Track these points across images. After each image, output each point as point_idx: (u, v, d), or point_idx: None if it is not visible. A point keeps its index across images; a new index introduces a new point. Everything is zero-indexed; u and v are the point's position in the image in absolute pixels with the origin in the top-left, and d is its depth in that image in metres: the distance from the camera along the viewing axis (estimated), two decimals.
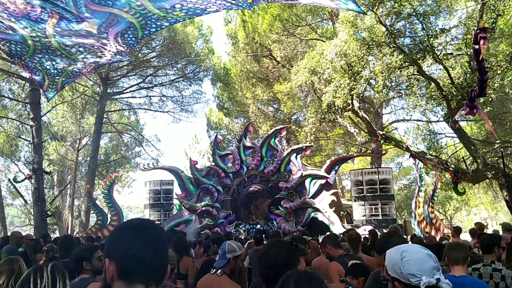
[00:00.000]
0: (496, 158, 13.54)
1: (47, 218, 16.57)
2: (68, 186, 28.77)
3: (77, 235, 18.32)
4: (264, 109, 25.49)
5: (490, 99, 11.08)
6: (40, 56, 6.81)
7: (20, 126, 26.94)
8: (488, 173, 10.22)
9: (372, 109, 21.41)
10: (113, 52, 6.78)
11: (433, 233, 13.70)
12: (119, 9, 5.42)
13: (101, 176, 28.64)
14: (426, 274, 1.83)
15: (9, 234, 14.73)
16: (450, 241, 9.36)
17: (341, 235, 8.67)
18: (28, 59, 6.97)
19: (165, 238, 1.49)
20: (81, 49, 6.78)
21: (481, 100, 9.79)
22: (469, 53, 9.76)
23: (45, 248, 6.09)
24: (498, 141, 14.22)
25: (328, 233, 8.15)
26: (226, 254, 3.86)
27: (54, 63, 7.10)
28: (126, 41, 6.23)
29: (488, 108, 11.71)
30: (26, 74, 9.41)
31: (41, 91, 14.56)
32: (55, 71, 7.30)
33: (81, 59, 7.15)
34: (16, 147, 29.29)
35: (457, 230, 9.93)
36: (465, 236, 11.26)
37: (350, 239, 5.89)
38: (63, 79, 7.76)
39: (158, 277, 1.43)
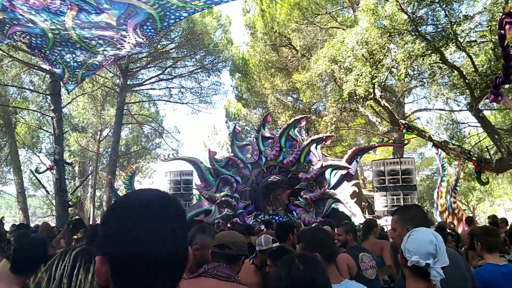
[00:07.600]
0: None
1: (69, 209, 16.84)
2: (90, 176, 29.21)
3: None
4: (283, 99, 25.32)
5: None
6: (60, 49, 6.85)
7: (41, 117, 27.35)
8: None
9: (394, 98, 21.07)
10: (132, 44, 6.76)
11: (455, 223, 13.50)
12: (138, 0, 5.38)
13: (122, 167, 29.01)
14: (419, 255, 1.91)
15: (32, 225, 15.02)
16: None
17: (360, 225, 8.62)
18: (48, 52, 7.01)
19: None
20: (100, 41, 6.79)
21: (506, 87, 9.52)
22: (493, 40, 9.49)
23: (75, 237, 6.20)
24: None
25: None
26: (256, 247, 4.01)
27: (74, 55, 7.13)
28: (145, 32, 6.20)
29: None
30: (46, 66, 9.50)
31: (61, 82, 14.74)
32: (75, 64, 7.34)
33: (101, 51, 7.17)
34: (37, 138, 29.74)
35: (468, 221, 9.85)
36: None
37: (366, 225, 5.87)
38: (83, 71, 7.80)
39: (178, 274, 1.02)
